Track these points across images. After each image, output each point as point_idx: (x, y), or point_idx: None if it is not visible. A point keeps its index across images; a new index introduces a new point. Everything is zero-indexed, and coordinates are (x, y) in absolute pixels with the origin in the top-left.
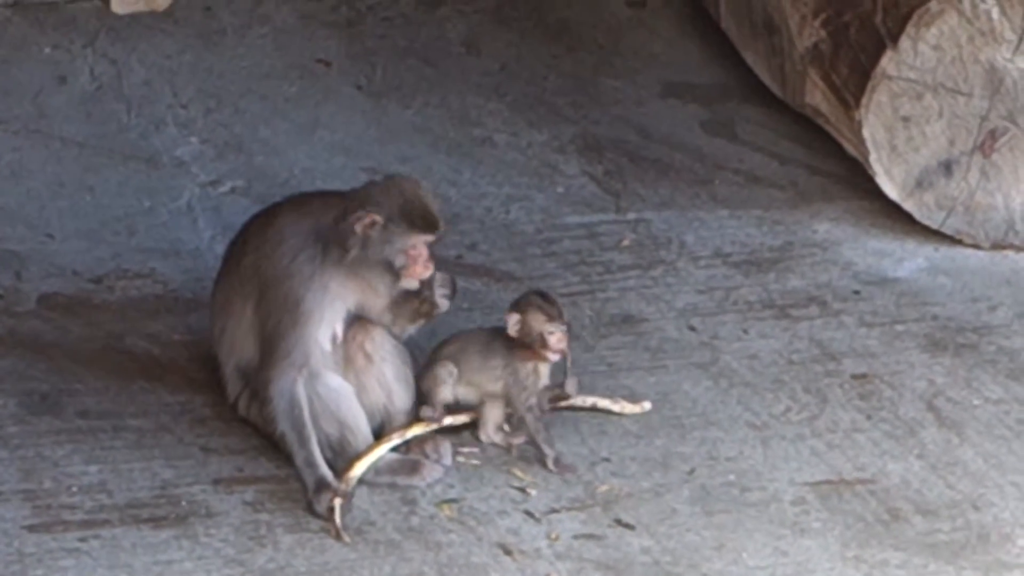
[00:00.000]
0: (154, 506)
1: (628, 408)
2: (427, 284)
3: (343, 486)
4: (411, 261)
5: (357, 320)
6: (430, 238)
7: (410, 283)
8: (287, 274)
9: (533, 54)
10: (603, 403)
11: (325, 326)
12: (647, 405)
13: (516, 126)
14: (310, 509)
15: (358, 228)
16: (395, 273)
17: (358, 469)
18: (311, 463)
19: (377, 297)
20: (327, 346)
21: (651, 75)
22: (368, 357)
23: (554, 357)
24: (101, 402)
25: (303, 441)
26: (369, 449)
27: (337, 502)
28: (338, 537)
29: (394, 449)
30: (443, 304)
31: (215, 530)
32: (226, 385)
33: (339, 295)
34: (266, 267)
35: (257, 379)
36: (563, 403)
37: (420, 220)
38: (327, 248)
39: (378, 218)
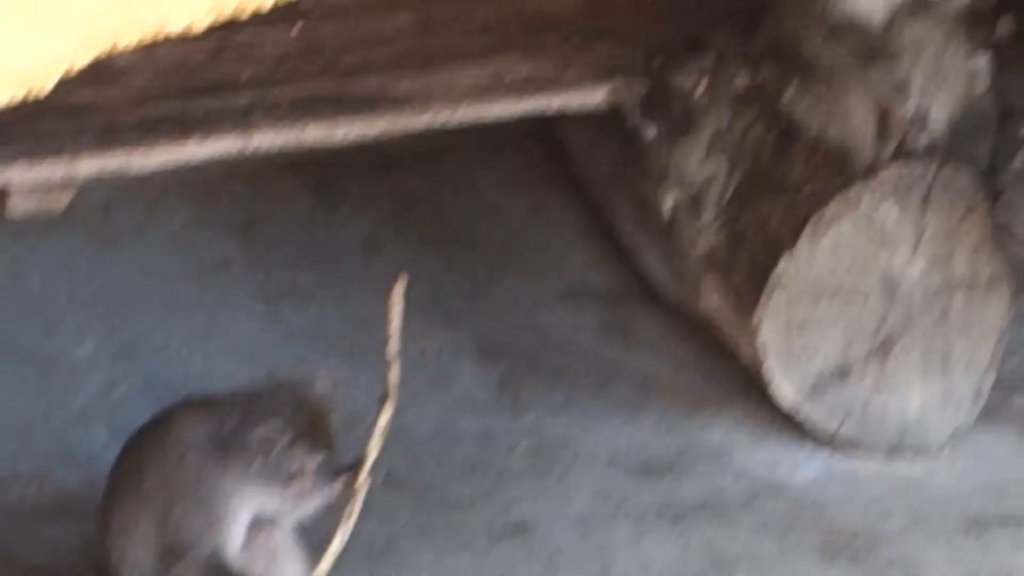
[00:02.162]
0: None
1: None
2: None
3: None
4: (301, 478)
5: (260, 521)
6: (322, 458)
7: (289, 498)
8: (195, 484)
9: (431, 257)
10: None
11: (236, 529)
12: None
13: (413, 329)
14: None
15: (266, 443)
16: (285, 486)
17: None
18: None
19: (277, 501)
20: (235, 551)
21: (548, 279)
22: (272, 554)
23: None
24: None
25: None
26: None
27: None
28: None
29: None
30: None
31: None
32: None
33: (244, 500)
34: (171, 479)
35: None
36: None
37: (321, 441)
38: (229, 455)
39: (283, 437)
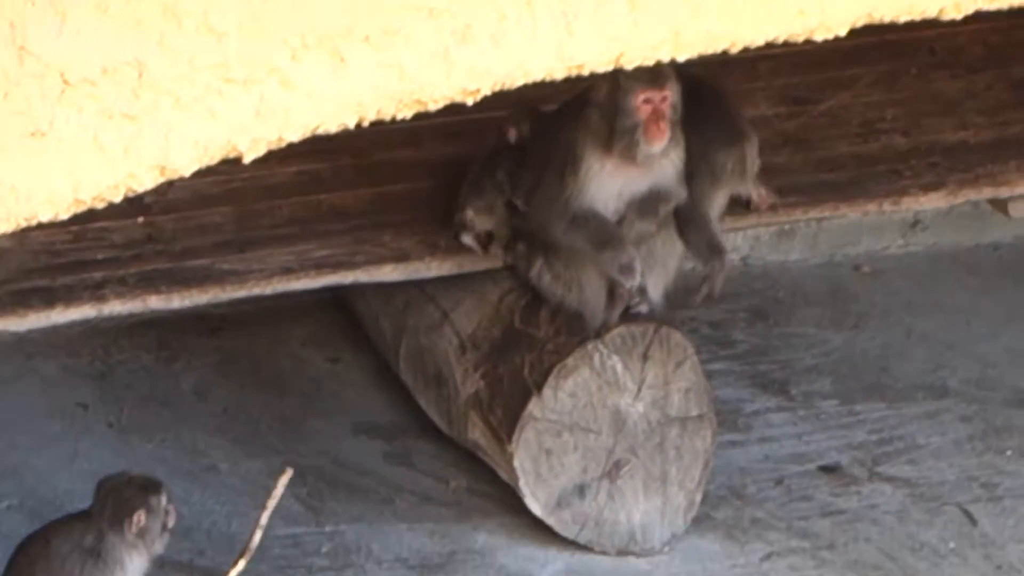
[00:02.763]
0: None
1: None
2: None
3: None
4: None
5: None
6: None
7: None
8: None
9: (250, 399)
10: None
11: None
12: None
13: (236, 456)
14: None
15: (134, 528)
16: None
17: None
18: None
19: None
20: None
21: (344, 416)
22: None
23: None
24: None
25: None
26: None
27: None
28: None
29: None
30: None
31: None
32: None
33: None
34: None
35: None
36: None
37: (153, 497)
38: (98, 554)
39: (140, 515)
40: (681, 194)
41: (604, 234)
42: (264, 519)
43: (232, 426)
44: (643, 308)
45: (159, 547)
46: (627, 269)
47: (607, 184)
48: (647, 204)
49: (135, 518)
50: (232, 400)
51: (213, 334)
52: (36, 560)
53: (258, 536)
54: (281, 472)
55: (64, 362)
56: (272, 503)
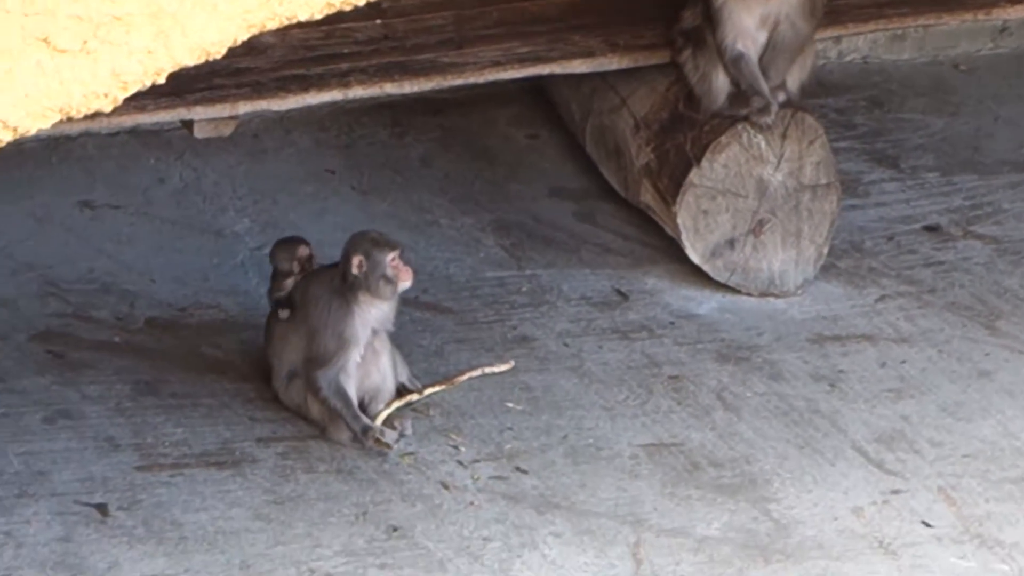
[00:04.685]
0: (218, 455)
1: (497, 368)
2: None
3: (377, 424)
4: (396, 270)
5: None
6: (398, 250)
7: (404, 285)
8: (326, 317)
9: (465, 167)
10: (474, 373)
11: (357, 343)
12: (512, 363)
13: (453, 214)
14: (359, 444)
15: (355, 267)
16: (390, 281)
17: (384, 414)
18: (353, 418)
19: (383, 315)
20: (359, 357)
21: (541, 182)
22: (376, 352)
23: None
24: (184, 387)
25: (348, 405)
26: (388, 404)
27: (387, 432)
28: (387, 447)
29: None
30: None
31: (257, 470)
32: (275, 381)
33: (361, 318)
34: (310, 313)
35: (308, 378)
36: (416, 397)
37: (384, 244)
38: (345, 293)
39: (362, 258)
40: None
41: (753, 83)
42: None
43: (451, 188)
44: (781, 98)
45: (387, 295)
46: (763, 112)
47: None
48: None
49: (355, 260)
50: (451, 168)
51: (436, 114)
52: (300, 304)
53: (443, 386)
54: (504, 362)
55: (316, 136)
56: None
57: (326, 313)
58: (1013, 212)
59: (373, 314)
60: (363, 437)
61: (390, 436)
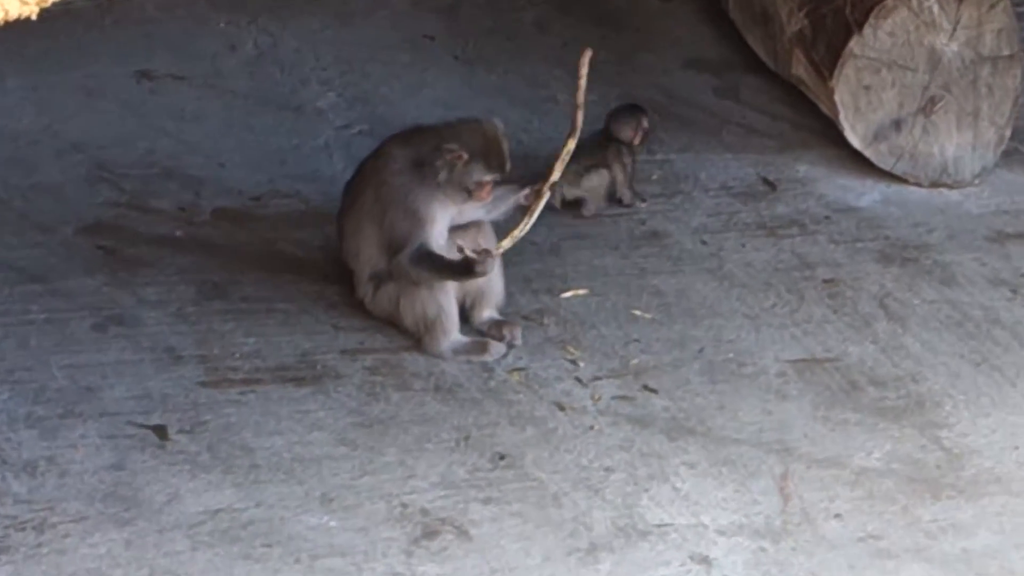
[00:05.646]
0: (296, 369)
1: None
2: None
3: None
4: (479, 190)
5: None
6: (498, 177)
7: (476, 206)
8: (401, 194)
9: (587, 34)
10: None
11: (437, 227)
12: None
13: (573, 88)
14: (472, 272)
15: (448, 157)
16: (467, 194)
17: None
18: (451, 265)
19: (463, 205)
20: (441, 241)
21: (675, 52)
22: (474, 239)
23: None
24: (258, 290)
25: (440, 263)
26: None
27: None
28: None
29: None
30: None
31: (342, 388)
32: (359, 287)
33: (441, 204)
34: (384, 192)
35: (391, 267)
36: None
37: (494, 162)
38: (423, 170)
39: (464, 154)
40: None
41: None
42: (581, 97)
43: (570, 59)
44: None
45: (456, 199)
46: None
47: None
48: None
49: (451, 152)
50: (571, 34)
51: None
52: (368, 172)
53: (580, 117)
54: (581, 53)
55: None
56: (583, 80)
57: (399, 190)
58: None
59: (454, 204)
60: (472, 267)
61: (496, 349)
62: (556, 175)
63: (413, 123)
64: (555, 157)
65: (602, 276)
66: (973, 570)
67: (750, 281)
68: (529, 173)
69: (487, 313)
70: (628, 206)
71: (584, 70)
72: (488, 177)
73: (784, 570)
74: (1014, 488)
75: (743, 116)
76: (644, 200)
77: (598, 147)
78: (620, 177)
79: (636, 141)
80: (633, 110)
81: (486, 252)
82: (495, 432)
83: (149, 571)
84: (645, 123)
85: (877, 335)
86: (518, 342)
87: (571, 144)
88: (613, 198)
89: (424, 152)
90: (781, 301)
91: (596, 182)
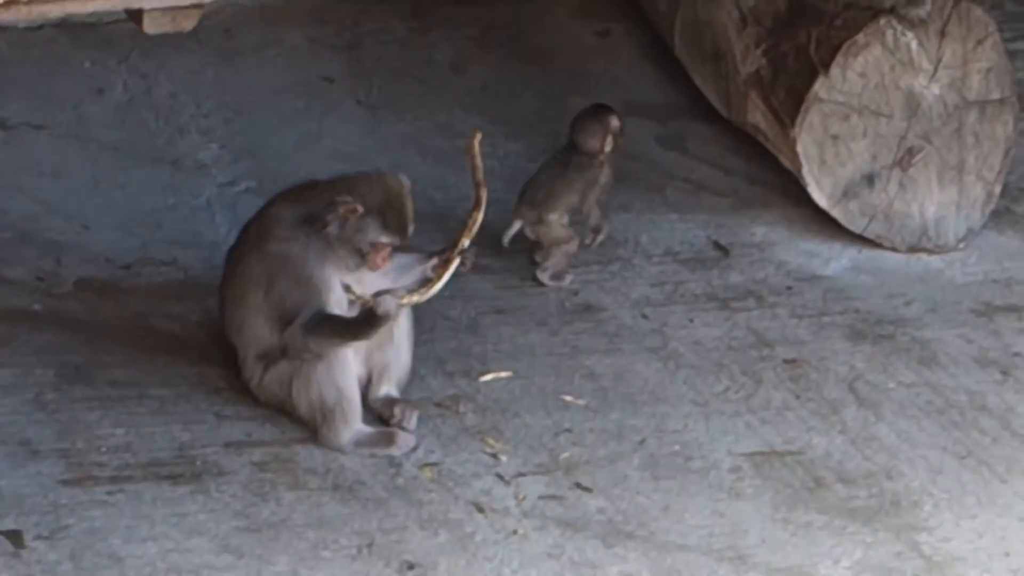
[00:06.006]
0: (172, 464)
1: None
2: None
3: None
4: (374, 253)
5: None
6: (396, 240)
7: (367, 272)
8: (291, 259)
9: (511, 75)
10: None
11: (334, 296)
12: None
13: (494, 138)
14: (378, 319)
15: (340, 210)
16: (360, 258)
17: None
18: (354, 321)
19: (357, 268)
20: (339, 311)
21: (613, 95)
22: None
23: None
24: (128, 373)
25: (340, 322)
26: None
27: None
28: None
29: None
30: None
31: (225, 486)
32: (245, 369)
33: (336, 268)
34: (271, 257)
35: (284, 343)
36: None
37: (393, 222)
38: (314, 229)
39: (359, 207)
40: None
41: None
42: (479, 175)
43: (490, 104)
44: (919, 11)
45: (348, 264)
46: (917, 1)
47: None
48: None
49: (345, 206)
50: (491, 75)
51: (472, 3)
52: (253, 234)
53: (484, 193)
54: (472, 135)
55: (309, 32)
56: (478, 158)
57: (288, 255)
58: None
59: (347, 269)
60: (375, 313)
61: (404, 441)
62: (466, 242)
63: (307, 178)
64: (463, 225)
65: (527, 356)
66: None
67: (699, 362)
68: (443, 238)
69: (385, 389)
70: (593, 232)
71: (476, 151)
72: (385, 239)
73: None
74: None
75: (691, 170)
76: (600, 231)
77: (558, 173)
78: (589, 194)
79: (605, 150)
80: (596, 113)
81: (386, 292)
82: (403, 538)
83: None
84: (614, 123)
85: (846, 424)
86: (411, 427)
87: (478, 216)
88: (579, 213)
89: (316, 209)
90: (735, 385)
91: (557, 229)
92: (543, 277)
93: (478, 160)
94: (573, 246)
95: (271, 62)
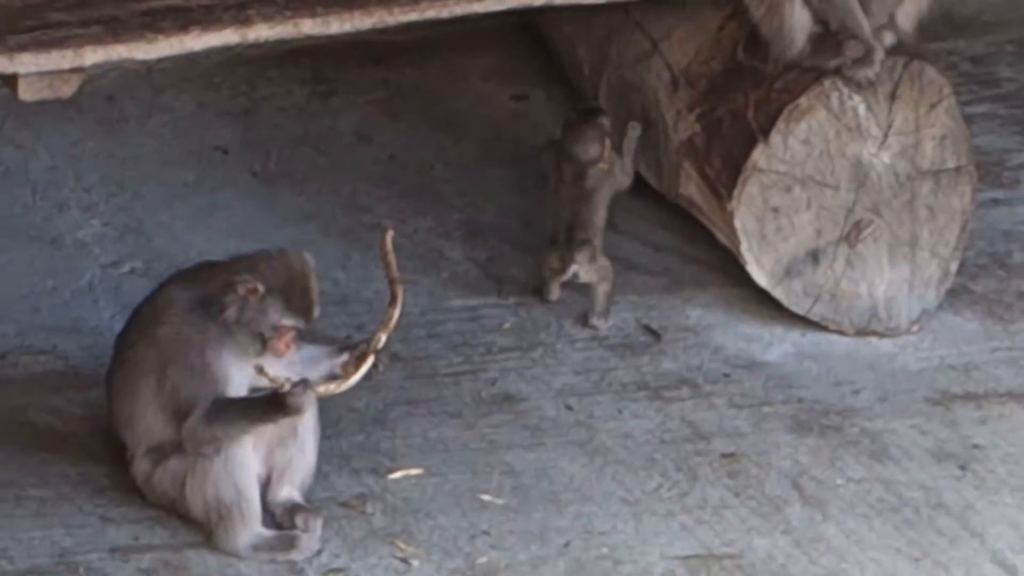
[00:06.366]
0: (53, 573)
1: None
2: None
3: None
4: (277, 337)
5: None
6: (301, 323)
7: (270, 359)
8: (185, 346)
9: (421, 144)
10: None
11: (232, 386)
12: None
13: (403, 213)
14: (285, 408)
15: (240, 290)
16: (261, 344)
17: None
18: (257, 405)
19: (258, 353)
20: (239, 393)
21: (533, 165)
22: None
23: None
24: (4, 472)
25: (242, 405)
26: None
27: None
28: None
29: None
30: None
31: None
32: (133, 466)
33: (235, 355)
34: (163, 344)
35: (182, 437)
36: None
37: (297, 303)
38: (210, 313)
39: (259, 287)
40: None
41: (847, 19)
42: (394, 272)
43: (399, 176)
44: (889, 40)
45: (248, 351)
46: (862, 62)
47: None
48: None
49: (245, 286)
50: (400, 144)
51: (377, 65)
52: (143, 320)
53: (400, 289)
54: (383, 232)
55: (200, 98)
56: (391, 259)
57: (181, 342)
58: None
59: (247, 356)
60: (284, 401)
61: (307, 544)
62: (382, 341)
63: (200, 259)
64: (380, 323)
65: (441, 451)
66: None
67: (629, 457)
68: (348, 322)
69: (287, 491)
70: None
71: (388, 248)
72: (289, 321)
73: None
74: None
75: (618, 247)
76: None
77: (574, 197)
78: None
79: (604, 154)
80: (587, 118)
81: (302, 382)
82: None
83: None
84: (606, 123)
85: (790, 524)
86: (317, 533)
87: (395, 312)
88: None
89: (213, 291)
90: (668, 482)
91: (604, 259)
92: (600, 323)
93: (391, 257)
94: (610, 281)
95: (159, 131)
